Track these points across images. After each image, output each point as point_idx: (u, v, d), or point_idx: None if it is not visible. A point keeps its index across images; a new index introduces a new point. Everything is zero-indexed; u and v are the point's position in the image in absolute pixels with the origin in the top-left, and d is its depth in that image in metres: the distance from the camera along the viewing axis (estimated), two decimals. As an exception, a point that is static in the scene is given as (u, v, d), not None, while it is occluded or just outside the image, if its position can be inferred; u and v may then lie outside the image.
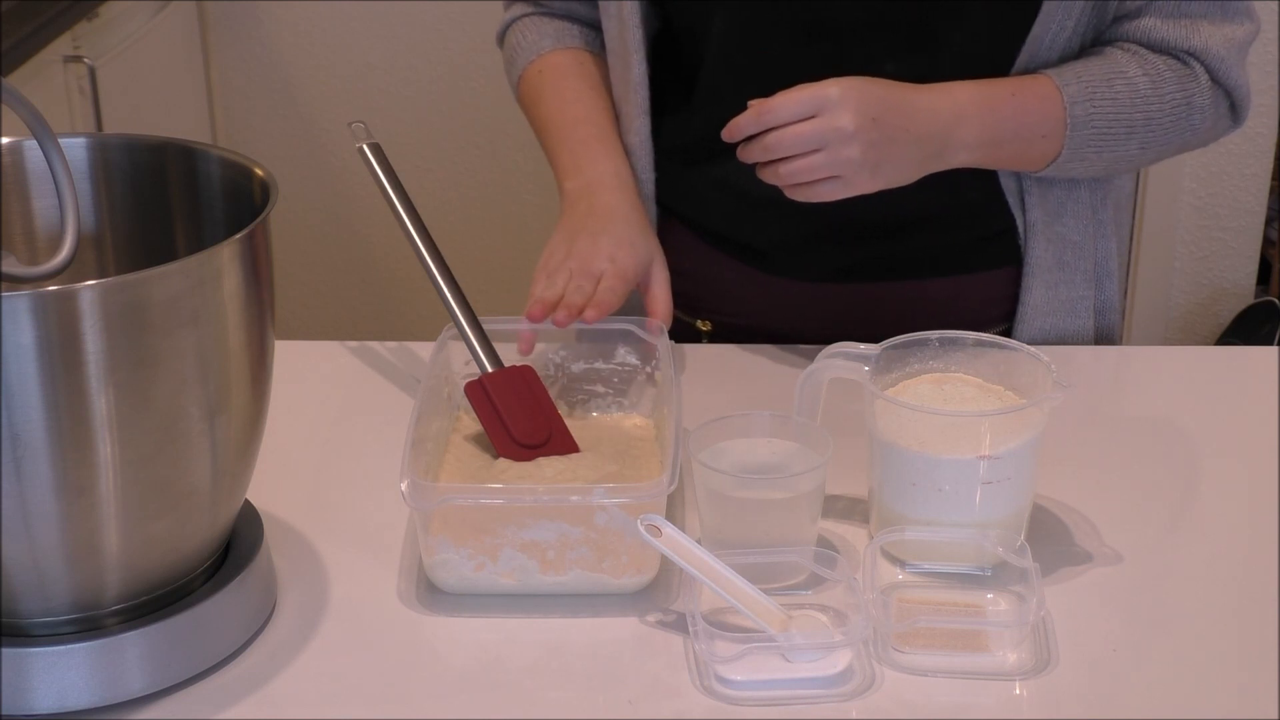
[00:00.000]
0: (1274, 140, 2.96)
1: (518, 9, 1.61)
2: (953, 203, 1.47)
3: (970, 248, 1.52)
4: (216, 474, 1.04)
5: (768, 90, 1.34)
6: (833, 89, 1.31)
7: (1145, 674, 1.08)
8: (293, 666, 1.08)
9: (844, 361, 1.21)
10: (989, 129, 1.40)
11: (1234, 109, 1.47)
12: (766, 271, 1.54)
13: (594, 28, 1.58)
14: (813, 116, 1.31)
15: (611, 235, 1.42)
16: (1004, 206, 1.49)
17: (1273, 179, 3.03)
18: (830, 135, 1.31)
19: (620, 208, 1.46)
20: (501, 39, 1.63)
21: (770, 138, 1.32)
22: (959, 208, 1.49)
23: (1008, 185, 1.49)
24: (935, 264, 1.52)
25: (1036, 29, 1.40)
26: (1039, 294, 1.51)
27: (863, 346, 1.21)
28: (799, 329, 1.53)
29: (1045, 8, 1.39)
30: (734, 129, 1.34)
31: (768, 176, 1.35)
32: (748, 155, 1.35)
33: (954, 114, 1.38)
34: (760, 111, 1.32)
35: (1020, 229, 1.50)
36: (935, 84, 1.39)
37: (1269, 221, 3.18)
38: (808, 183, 1.33)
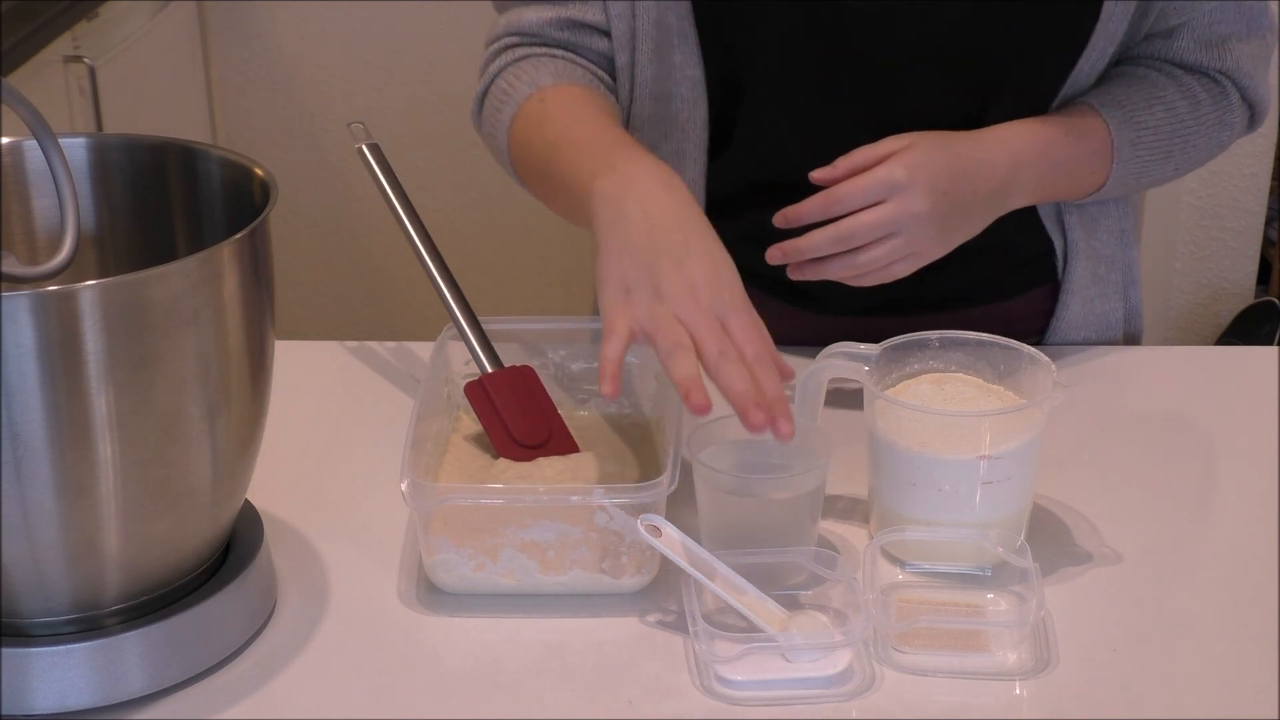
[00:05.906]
0: (1274, 140, 2.96)
1: (504, 59, 1.44)
2: (994, 233, 1.41)
3: (1008, 274, 1.51)
4: (216, 474, 1.04)
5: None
6: (899, 171, 1.26)
7: (1145, 674, 1.08)
8: (293, 666, 1.08)
9: (844, 361, 1.21)
10: (1045, 173, 1.38)
11: (1254, 119, 1.48)
12: (805, 308, 1.49)
13: (598, 64, 1.45)
14: (882, 201, 1.26)
15: (697, 251, 1.17)
16: (1042, 231, 1.48)
17: (1273, 179, 3.03)
18: (905, 220, 1.27)
19: (688, 210, 1.20)
20: (480, 104, 1.45)
21: (844, 226, 1.26)
22: (1001, 238, 1.43)
23: (1045, 210, 1.47)
24: (975, 294, 1.51)
25: (1081, 61, 1.39)
26: (1075, 310, 1.50)
27: (863, 346, 1.21)
28: None
29: (1092, 42, 1.38)
30: (795, 215, 1.27)
31: (840, 270, 1.28)
32: (814, 246, 1.26)
33: (1012, 164, 1.35)
34: (829, 201, 1.27)
35: (1059, 251, 1.49)
36: (988, 131, 1.36)
37: (1269, 221, 3.18)
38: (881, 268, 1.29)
